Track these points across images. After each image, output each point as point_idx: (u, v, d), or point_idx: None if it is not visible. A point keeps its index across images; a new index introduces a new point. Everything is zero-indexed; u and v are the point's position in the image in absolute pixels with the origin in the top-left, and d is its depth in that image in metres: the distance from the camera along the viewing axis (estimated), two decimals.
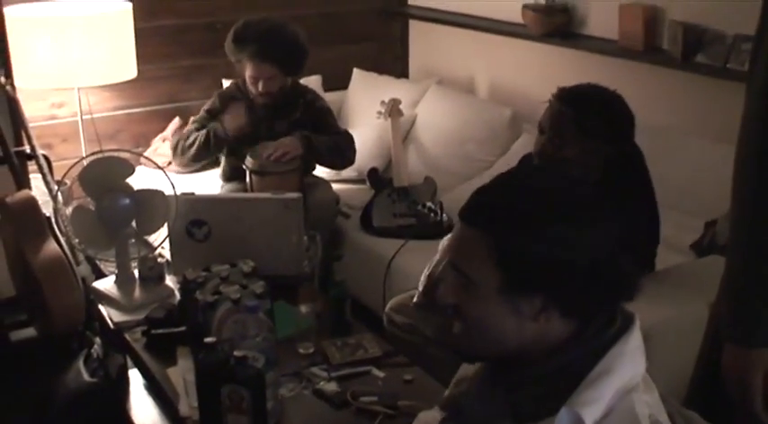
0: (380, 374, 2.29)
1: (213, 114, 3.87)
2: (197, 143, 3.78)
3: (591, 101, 2.47)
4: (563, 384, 1.28)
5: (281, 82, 3.78)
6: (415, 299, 2.74)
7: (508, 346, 1.34)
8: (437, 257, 2.71)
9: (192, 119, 4.03)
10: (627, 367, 1.30)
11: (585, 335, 1.31)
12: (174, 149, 3.89)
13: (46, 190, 3.48)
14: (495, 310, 1.32)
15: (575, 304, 1.31)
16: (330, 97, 4.48)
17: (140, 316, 2.58)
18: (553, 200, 1.31)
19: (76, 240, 3.09)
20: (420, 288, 2.70)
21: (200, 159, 3.87)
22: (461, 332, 1.36)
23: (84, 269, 3.25)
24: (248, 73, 3.75)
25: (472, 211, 1.36)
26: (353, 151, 3.92)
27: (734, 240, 1.67)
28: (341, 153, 3.88)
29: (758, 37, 1.63)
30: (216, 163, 4.06)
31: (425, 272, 2.72)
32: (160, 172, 2.85)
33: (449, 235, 2.91)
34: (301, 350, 2.40)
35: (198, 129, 3.85)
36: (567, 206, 1.31)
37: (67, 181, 3.19)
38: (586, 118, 2.43)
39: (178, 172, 4.24)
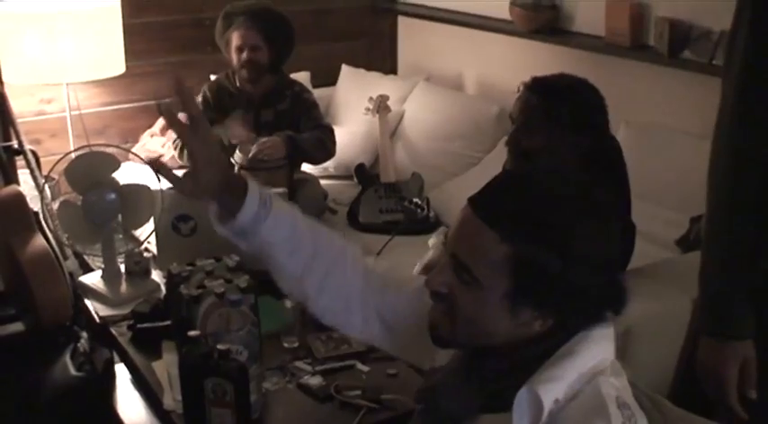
0: (364, 368, 2.30)
1: (207, 105, 3.87)
2: None
3: (558, 88, 2.44)
4: (532, 373, 1.28)
5: (266, 56, 3.79)
6: None
7: (491, 341, 1.33)
8: (431, 251, 2.73)
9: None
10: (592, 351, 1.30)
11: (559, 329, 1.31)
12: (181, 152, 3.89)
13: (34, 185, 3.48)
14: (491, 311, 1.29)
15: (576, 316, 1.31)
16: (318, 93, 4.48)
17: (126, 310, 2.59)
18: (576, 214, 1.27)
19: (65, 235, 3.09)
20: None
21: None
22: (445, 317, 1.34)
23: (71, 264, 3.25)
24: (234, 44, 3.78)
25: (492, 211, 1.28)
26: (334, 144, 3.93)
27: (708, 231, 1.69)
28: (323, 146, 3.90)
29: (733, 31, 1.65)
30: None
31: (418, 267, 2.73)
32: (148, 167, 2.85)
33: (438, 232, 2.93)
34: (286, 344, 2.40)
35: None
36: (589, 220, 1.27)
37: (55, 176, 3.19)
38: (552, 104, 2.39)
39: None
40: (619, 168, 2.58)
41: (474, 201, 1.32)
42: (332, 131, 3.93)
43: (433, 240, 2.84)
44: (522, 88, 2.49)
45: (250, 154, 3.69)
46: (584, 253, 1.26)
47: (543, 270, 1.25)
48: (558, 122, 2.38)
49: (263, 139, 3.73)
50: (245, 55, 3.75)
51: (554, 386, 1.25)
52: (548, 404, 1.24)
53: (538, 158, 2.40)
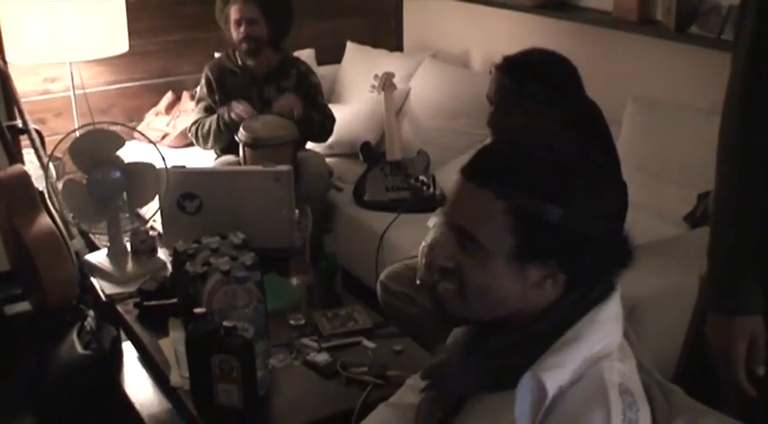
0: (370, 344, 2.31)
1: (211, 86, 3.86)
2: (212, 131, 3.80)
3: (527, 66, 2.46)
4: (537, 351, 1.26)
5: (264, 30, 3.77)
6: (418, 279, 2.73)
7: (506, 310, 1.30)
8: (432, 231, 2.71)
9: (196, 98, 4.01)
10: (598, 335, 1.28)
11: (568, 300, 1.29)
12: (196, 138, 3.90)
13: (39, 165, 3.48)
14: (501, 275, 1.27)
15: (584, 272, 1.29)
16: (323, 71, 4.46)
17: (132, 288, 2.60)
18: (571, 165, 1.28)
19: (70, 214, 3.10)
20: (422, 262, 2.69)
21: (221, 143, 3.87)
22: (456, 294, 1.32)
23: (77, 243, 3.26)
24: (232, 18, 3.76)
25: (483, 171, 1.29)
26: (331, 132, 3.97)
27: (716, 208, 1.68)
28: (325, 129, 3.92)
29: (742, 7, 1.63)
30: None
31: (423, 244, 2.72)
32: (153, 146, 2.84)
33: (438, 212, 2.91)
34: (292, 322, 2.41)
35: (206, 109, 3.86)
36: (583, 171, 1.28)
37: (60, 155, 3.19)
38: (524, 84, 2.42)
39: (171, 147, 4.24)
40: (604, 133, 2.57)
41: (464, 169, 1.32)
42: (334, 121, 3.96)
43: (432, 220, 2.82)
44: (493, 70, 2.49)
45: (274, 108, 3.72)
46: (580, 199, 1.25)
47: (542, 219, 1.23)
48: (531, 99, 2.40)
49: (288, 94, 3.77)
50: (242, 29, 3.74)
51: (558, 373, 1.24)
52: (552, 391, 1.23)
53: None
